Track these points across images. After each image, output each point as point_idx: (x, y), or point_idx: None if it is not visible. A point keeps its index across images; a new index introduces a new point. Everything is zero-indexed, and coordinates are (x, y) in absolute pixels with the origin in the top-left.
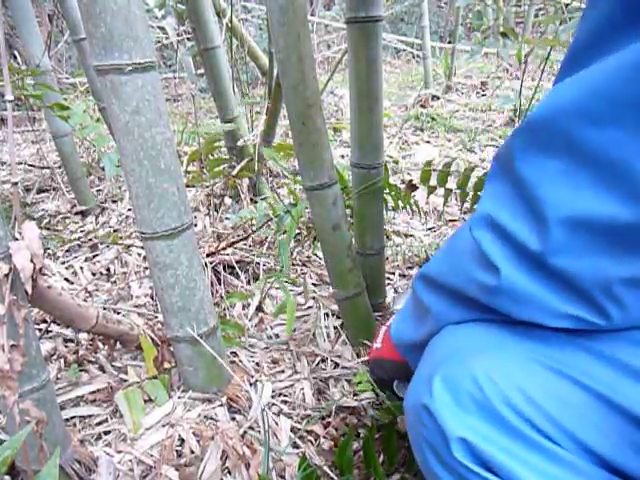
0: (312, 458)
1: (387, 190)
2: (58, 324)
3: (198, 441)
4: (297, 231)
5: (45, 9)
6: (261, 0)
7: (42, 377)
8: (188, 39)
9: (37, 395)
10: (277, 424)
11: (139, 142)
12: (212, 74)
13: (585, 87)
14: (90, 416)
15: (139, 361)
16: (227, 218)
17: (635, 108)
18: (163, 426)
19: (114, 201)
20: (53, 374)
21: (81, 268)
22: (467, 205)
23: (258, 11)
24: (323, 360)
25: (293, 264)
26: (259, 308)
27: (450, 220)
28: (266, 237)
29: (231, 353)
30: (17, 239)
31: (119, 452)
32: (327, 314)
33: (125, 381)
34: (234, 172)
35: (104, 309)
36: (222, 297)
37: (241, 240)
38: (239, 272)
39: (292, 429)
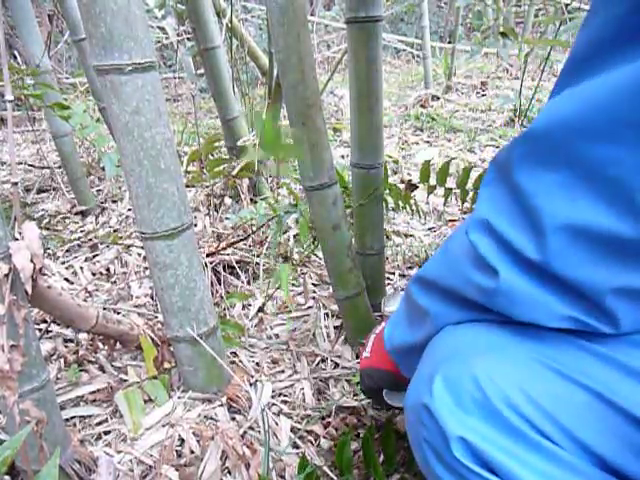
0: (312, 458)
1: (387, 190)
2: (58, 324)
3: (198, 441)
4: (296, 232)
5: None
6: (261, 0)
7: (42, 377)
8: (188, 39)
9: (37, 395)
10: (277, 424)
11: (139, 142)
12: (212, 74)
13: (584, 103)
14: (90, 416)
15: (139, 361)
16: (227, 218)
17: (634, 126)
18: (163, 426)
19: (114, 201)
20: (53, 374)
21: (81, 268)
22: (467, 205)
23: (258, 11)
24: (323, 360)
25: (293, 264)
26: (260, 309)
27: (450, 220)
28: (266, 237)
29: (231, 353)
30: (17, 239)
31: (119, 452)
32: (327, 314)
33: (125, 381)
34: (234, 172)
35: (104, 309)
36: (222, 297)
37: (241, 240)
38: (239, 272)
39: (292, 429)
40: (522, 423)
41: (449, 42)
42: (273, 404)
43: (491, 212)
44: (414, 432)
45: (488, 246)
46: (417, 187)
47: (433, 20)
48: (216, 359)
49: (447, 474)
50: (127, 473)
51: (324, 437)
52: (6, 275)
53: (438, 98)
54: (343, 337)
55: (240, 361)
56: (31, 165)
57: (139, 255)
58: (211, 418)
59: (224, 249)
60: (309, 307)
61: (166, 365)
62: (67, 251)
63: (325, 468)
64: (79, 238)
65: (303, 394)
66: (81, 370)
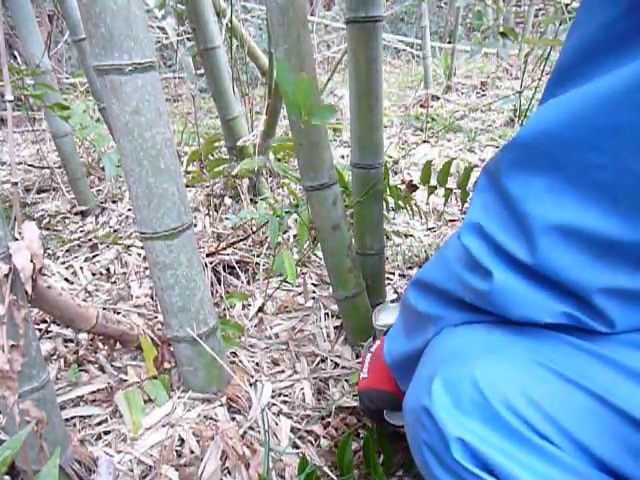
0: (312, 458)
1: (387, 191)
2: (58, 324)
3: (198, 441)
4: (296, 232)
5: (45, 9)
6: (261, 0)
7: (42, 377)
8: (188, 39)
9: (37, 395)
10: (277, 424)
11: (139, 142)
12: (212, 74)
13: (567, 113)
14: (90, 416)
15: (139, 361)
16: (227, 218)
17: (614, 135)
18: (163, 426)
19: (114, 201)
20: (53, 374)
21: (81, 268)
22: (467, 205)
23: (258, 11)
24: (323, 360)
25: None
26: (260, 309)
27: (450, 220)
28: (266, 237)
29: (231, 353)
30: (17, 239)
31: (119, 452)
32: (327, 314)
33: (125, 381)
34: (234, 172)
35: (104, 309)
36: (222, 297)
37: (241, 240)
38: (239, 272)
39: (292, 429)
40: (521, 425)
41: (449, 42)
42: (273, 404)
43: (482, 216)
44: (413, 434)
45: (480, 248)
46: (417, 187)
47: (433, 20)
48: (216, 359)
49: (447, 476)
50: (127, 473)
51: (324, 437)
52: (6, 275)
53: (438, 98)
54: (343, 337)
55: (240, 361)
56: (31, 165)
57: (139, 255)
58: (211, 418)
59: (224, 249)
60: (309, 307)
61: (166, 365)
62: (67, 251)
63: (325, 468)
64: (79, 238)
65: (303, 394)
66: (81, 370)
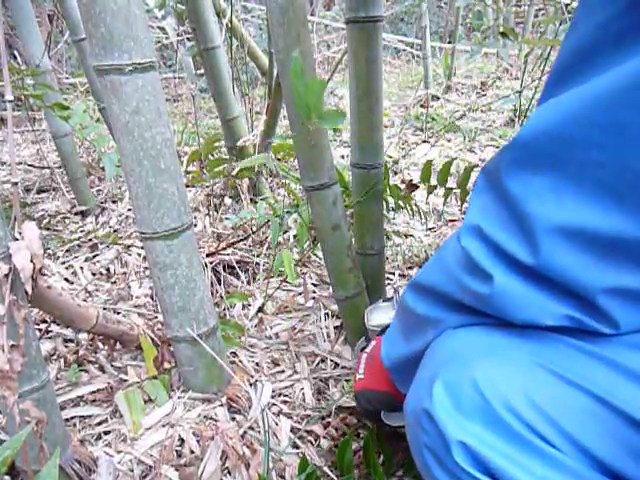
0: (312, 458)
1: (387, 191)
2: (58, 324)
3: (198, 441)
4: (295, 232)
5: (45, 9)
6: (261, 0)
7: (42, 377)
8: (188, 39)
9: (37, 395)
10: (277, 424)
11: (139, 142)
12: (212, 74)
13: (566, 112)
14: (90, 416)
15: (139, 361)
16: (227, 218)
17: (612, 134)
18: (163, 426)
19: (114, 201)
20: (53, 374)
21: (81, 268)
22: (467, 205)
23: (258, 11)
24: (323, 360)
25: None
26: (260, 309)
27: (450, 220)
28: (266, 237)
29: (231, 353)
30: (17, 239)
31: (119, 452)
32: (327, 314)
33: (125, 381)
34: (234, 172)
35: (104, 309)
36: (222, 297)
37: (241, 240)
38: (239, 272)
39: (292, 429)
40: (522, 427)
41: (449, 42)
42: (273, 404)
43: (482, 218)
44: (414, 436)
45: (480, 250)
46: (417, 187)
47: (433, 20)
48: (216, 359)
49: (447, 479)
50: (127, 473)
51: (324, 437)
52: (6, 275)
53: (438, 98)
54: (343, 337)
55: (240, 361)
56: (31, 165)
57: (139, 255)
58: (211, 418)
59: (224, 249)
60: (309, 307)
61: (166, 365)
62: (67, 251)
63: (325, 468)
64: (79, 238)
65: (303, 394)
66: (81, 370)
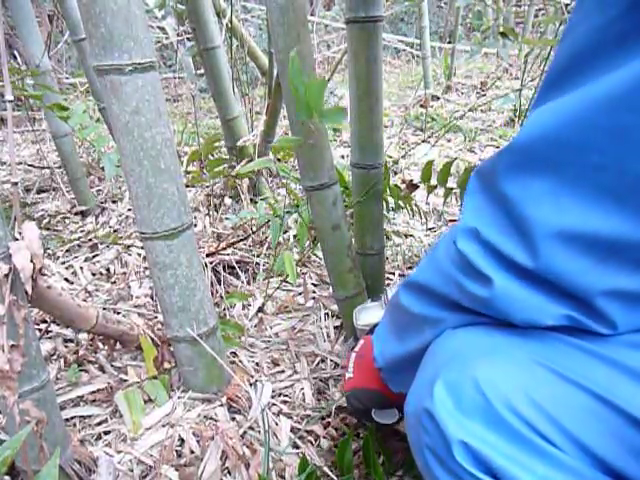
0: (312, 458)
1: (387, 191)
2: (58, 324)
3: (198, 441)
4: (295, 232)
5: (45, 9)
6: (261, 0)
7: (42, 377)
8: (188, 39)
9: (37, 395)
10: (277, 424)
11: (139, 142)
12: (212, 74)
13: (566, 116)
14: (90, 416)
15: (139, 361)
16: (227, 218)
17: (613, 137)
18: (163, 426)
19: (114, 201)
20: (53, 374)
21: (81, 268)
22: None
23: (258, 11)
24: (323, 360)
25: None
26: (260, 309)
27: (450, 220)
28: (266, 237)
29: (231, 353)
30: (17, 239)
31: (119, 452)
32: (327, 314)
33: (125, 381)
34: (234, 172)
35: (104, 309)
36: (222, 297)
37: (241, 240)
38: (239, 272)
39: (292, 429)
40: (523, 426)
41: (449, 42)
42: (273, 404)
43: (478, 221)
44: (415, 436)
45: (477, 254)
46: (418, 187)
47: (433, 20)
48: (216, 359)
49: (448, 479)
50: (127, 473)
51: (324, 437)
52: (6, 275)
53: (438, 98)
54: (343, 337)
55: (240, 361)
56: (31, 165)
57: (139, 255)
58: (211, 418)
59: (224, 249)
60: (309, 307)
61: (166, 365)
62: (67, 251)
63: (325, 468)
64: (79, 238)
65: (303, 394)
66: (81, 370)
